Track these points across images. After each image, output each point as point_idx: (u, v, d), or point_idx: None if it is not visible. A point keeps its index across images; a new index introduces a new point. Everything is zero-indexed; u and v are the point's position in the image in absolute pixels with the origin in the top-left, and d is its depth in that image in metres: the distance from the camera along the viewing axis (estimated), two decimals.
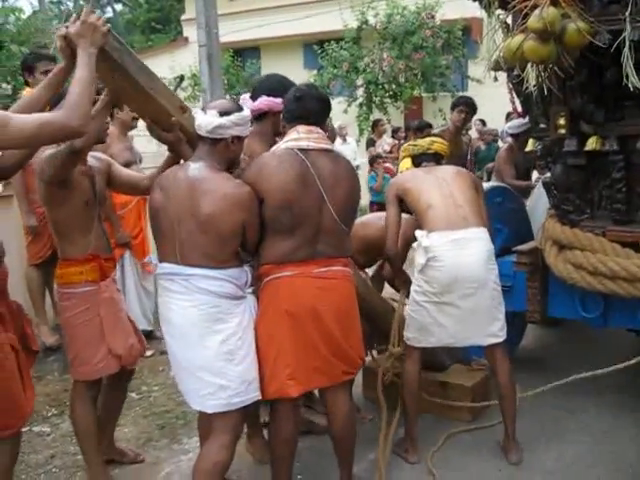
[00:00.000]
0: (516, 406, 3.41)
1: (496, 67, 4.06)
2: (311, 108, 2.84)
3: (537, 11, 2.96)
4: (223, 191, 2.60)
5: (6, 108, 2.55)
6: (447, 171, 3.62)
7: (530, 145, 4.67)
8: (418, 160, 3.78)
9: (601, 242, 3.67)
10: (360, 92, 13.57)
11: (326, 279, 2.76)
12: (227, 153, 2.72)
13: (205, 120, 2.65)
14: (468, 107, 5.83)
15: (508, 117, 12.40)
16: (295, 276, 2.72)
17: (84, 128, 2.32)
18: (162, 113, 2.75)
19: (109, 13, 28.97)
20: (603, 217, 3.78)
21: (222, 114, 2.64)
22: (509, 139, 10.02)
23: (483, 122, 12.30)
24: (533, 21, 2.97)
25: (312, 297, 2.72)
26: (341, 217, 2.79)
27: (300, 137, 2.78)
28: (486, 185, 4.67)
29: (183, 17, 17.73)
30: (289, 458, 2.87)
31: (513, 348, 4.32)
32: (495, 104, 11.90)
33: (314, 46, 14.38)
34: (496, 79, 4.24)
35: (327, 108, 2.96)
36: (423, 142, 3.83)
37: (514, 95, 4.69)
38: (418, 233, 3.38)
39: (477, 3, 4.31)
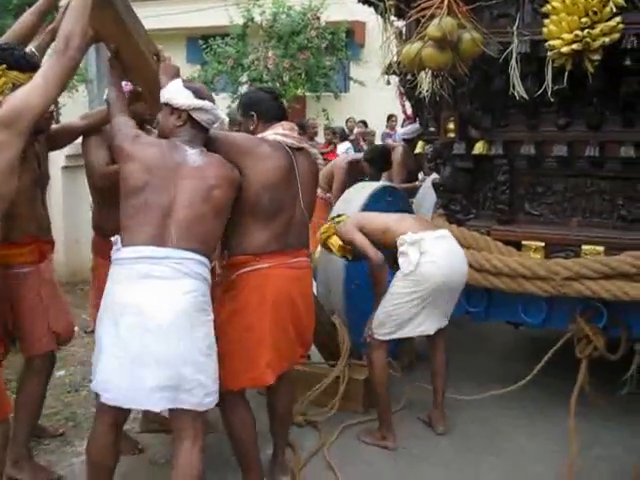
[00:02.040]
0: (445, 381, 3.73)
1: (388, 71, 4.22)
2: (284, 107, 3.07)
3: (436, 20, 3.10)
4: (230, 177, 2.65)
5: None
6: None
7: (419, 147, 4.87)
8: None
9: (486, 240, 3.91)
10: (244, 89, 13.51)
11: (298, 269, 2.92)
12: None
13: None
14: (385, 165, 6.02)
15: (389, 119, 12.85)
16: (274, 267, 2.82)
17: (81, 57, 2.36)
18: (139, 57, 2.76)
19: None
20: (488, 217, 4.03)
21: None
22: (389, 140, 10.38)
23: (365, 123, 12.64)
24: (432, 30, 3.11)
25: (289, 286, 2.87)
26: (308, 212, 2.99)
27: (286, 134, 2.90)
28: (377, 184, 4.83)
29: (62, 3, 16.95)
30: (255, 440, 2.93)
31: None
32: (376, 106, 12.31)
33: (198, 40, 14.16)
34: (389, 83, 4.40)
35: None
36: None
37: (404, 99, 4.89)
38: (402, 239, 3.47)
39: (365, 7, 4.45)
